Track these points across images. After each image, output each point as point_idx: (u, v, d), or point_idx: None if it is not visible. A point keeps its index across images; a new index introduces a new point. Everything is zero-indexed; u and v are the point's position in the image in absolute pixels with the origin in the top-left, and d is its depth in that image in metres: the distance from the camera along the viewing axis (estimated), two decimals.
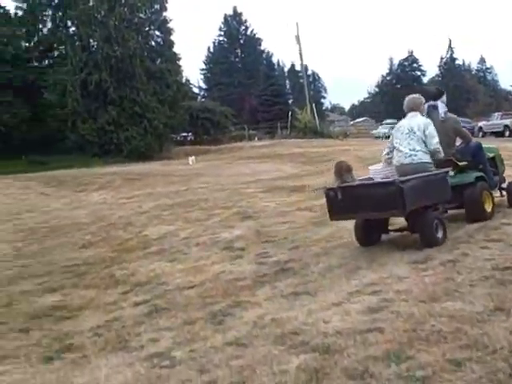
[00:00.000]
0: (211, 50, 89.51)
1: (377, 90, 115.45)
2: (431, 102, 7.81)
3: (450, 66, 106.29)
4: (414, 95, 7.53)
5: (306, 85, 59.64)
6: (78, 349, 4.64)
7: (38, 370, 4.33)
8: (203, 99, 75.53)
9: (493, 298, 4.51)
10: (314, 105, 54.09)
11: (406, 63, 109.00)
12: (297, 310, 4.88)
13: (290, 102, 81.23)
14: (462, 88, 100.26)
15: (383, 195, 6.31)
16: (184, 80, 58.17)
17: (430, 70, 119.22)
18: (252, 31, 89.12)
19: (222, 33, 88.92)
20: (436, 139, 6.87)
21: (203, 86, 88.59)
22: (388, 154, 7.22)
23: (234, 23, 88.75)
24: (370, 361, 3.65)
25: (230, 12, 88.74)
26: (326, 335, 4.20)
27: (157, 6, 43.77)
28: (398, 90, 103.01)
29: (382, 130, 54.69)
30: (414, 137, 6.85)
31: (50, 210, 15.13)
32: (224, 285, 5.91)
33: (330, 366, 3.67)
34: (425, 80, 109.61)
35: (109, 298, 6.11)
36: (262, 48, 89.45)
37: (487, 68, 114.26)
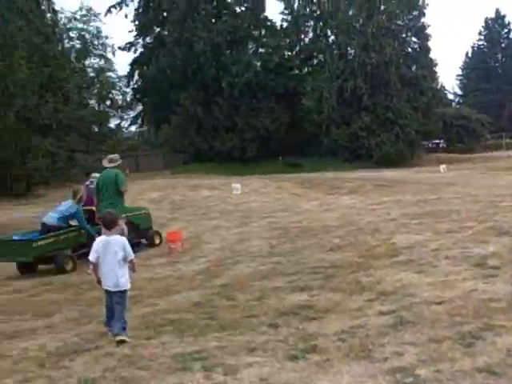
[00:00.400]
0: (469, 55, 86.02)
1: None
2: None
3: None
4: None
5: None
6: (322, 351, 4.73)
7: (283, 366, 4.50)
8: (458, 106, 72.84)
9: None
10: None
11: None
12: None
13: None
14: None
15: None
16: (439, 86, 56.72)
17: None
18: None
19: (482, 37, 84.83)
20: None
21: (459, 92, 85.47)
22: None
23: (495, 26, 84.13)
24: None
25: (492, 15, 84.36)
26: None
27: (415, 13, 43.28)
28: None
29: None
30: None
31: (302, 210, 15.78)
32: (475, 304, 5.56)
33: None
34: None
35: (354, 303, 6.13)
36: None
37: None
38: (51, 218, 11.57)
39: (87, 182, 12.86)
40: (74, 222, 11.64)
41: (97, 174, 12.16)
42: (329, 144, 41.57)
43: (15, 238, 11.60)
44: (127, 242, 6.07)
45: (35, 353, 5.61)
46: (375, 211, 13.67)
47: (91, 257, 6.04)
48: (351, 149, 40.48)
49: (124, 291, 5.99)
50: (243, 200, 19.17)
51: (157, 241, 12.84)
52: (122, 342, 5.53)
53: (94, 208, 11.51)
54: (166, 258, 11.14)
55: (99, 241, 6.09)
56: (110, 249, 5.94)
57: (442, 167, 27.55)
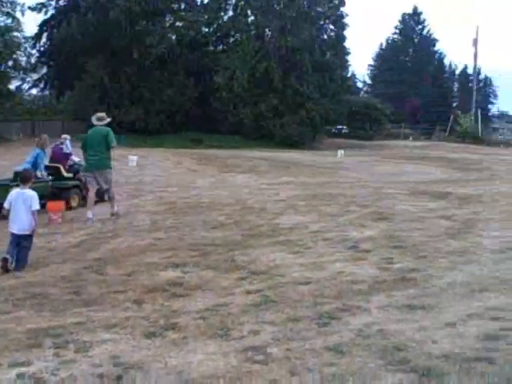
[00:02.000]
0: (383, 46, 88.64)
1: None
2: None
3: None
4: None
5: (475, 89, 56.90)
6: (181, 329, 4.73)
7: (138, 343, 4.46)
8: (366, 95, 75.01)
9: None
10: (479, 110, 51.47)
11: None
12: (407, 324, 4.63)
13: (455, 105, 78.30)
14: None
15: None
16: (350, 75, 58.03)
17: None
18: (428, 31, 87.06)
19: (398, 31, 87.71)
20: None
21: (368, 81, 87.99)
22: None
23: (411, 22, 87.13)
24: None
25: (410, 11, 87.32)
26: (431, 357, 3.94)
27: (336, 1, 43.92)
28: None
29: None
30: None
31: (195, 186, 15.73)
32: (339, 286, 5.75)
33: None
34: None
35: (224, 282, 6.18)
36: (436, 49, 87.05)
37: None
38: (22, 166, 12.55)
39: (57, 142, 14.74)
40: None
41: (67, 136, 14.72)
42: (234, 122, 41.71)
43: None
44: (36, 196, 7.84)
45: None
46: (267, 191, 13.82)
47: (6, 204, 7.87)
48: (255, 128, 40.71)
49: (28, 235, 7.76)
50: (138, 173, 18.91)
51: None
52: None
53: (59, 165, 13.80)
54: (43, 228, 10.76)
55: (14, 192, 7.95)
56: (21, 199, 7.71)
57: (340, 152, 28.30)
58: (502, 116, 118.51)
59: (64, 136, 14.75)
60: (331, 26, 45.20)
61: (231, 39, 49.37)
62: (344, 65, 46.51)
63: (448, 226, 9.19)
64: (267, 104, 40.17)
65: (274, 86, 40.32)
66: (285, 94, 40.52)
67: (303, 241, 8.03)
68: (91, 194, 11.38)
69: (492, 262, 6.69)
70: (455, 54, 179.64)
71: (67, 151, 14.49)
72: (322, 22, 44.54)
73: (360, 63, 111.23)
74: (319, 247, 7.66)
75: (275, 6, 42.11)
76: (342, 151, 28.78)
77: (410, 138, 50.26)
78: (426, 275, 6.09)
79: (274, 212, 10.61)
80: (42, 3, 46.89)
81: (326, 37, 45.25)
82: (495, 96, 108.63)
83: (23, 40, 42.76)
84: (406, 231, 8.69)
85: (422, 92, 72.52)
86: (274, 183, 15.43)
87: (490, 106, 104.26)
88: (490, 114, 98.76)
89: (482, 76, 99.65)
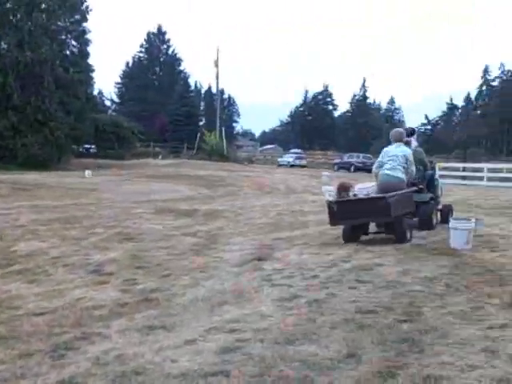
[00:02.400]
0: (129, 65, 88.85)
1: (289, 119, 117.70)
2: (407, 138, 10.14)
3: (360, 104, 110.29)
4: (400, 129, 10.10)
5: (219, 108, 59.84)
6: None
7: None
8: (114, 113, 74.37)
9: (348, 343, 4.38)
10: (223, 128, 54.23)
11: (320, 96, 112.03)
12: (147, 345, 4.56)
13: (202, 123, 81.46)
14: (370, 125, 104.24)
15: (376, 206, 8.54)
16: (96, 92, 56.93)
17: (342, 105, 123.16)
18: (173, 51, 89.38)
19: (144, 49, 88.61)
20: (413, 166, 9.36)
21: (116, 99, 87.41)
22: (376, 168, 9.49)
23: (156, 41, 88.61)
24: None
25: (155, 30, 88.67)
26: (169, 377, 3.91)
27: (77, 16, 42.63)
28: (308, 121, 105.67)
29: (286, 158, 55.73)
30: (397, 160, 9.17)
31: None
32: (79, 313, 5.49)
33: None
34: (336, 114, 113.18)
35: None
36: (181, 68, 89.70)
37: (396, 108, 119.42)
38: None
39: None
40: None
41: None
42: None
43: None
44: None
45: None
46: (6, 216, 12.84)
47: None
48: None
49: None
50: None
51: None
52: None
53: None
54: None
55: None
56: None
57: (87, 172, 27.59)
58: (246, 134, 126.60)
59: None
60: (73, 42, 43.87)
61: None
62: (89, 82, 45.34)
63: (193, 242, 9.43)
64: (6, 122, 37.54)
65: (13, 104, 37.87)
66: (25, 112, 38.22)
67: (42, 268, 7.58)
68: None
69: (232, 275, 6.97)
70: (200, 73, 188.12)
71: None
72: (63, 37, 42.99)
73: (107, 81, 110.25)
74: (59, 274, 7.29)
75: (11, 17, 39.56)
76: (90, 171, 28.06)
77: (160, 157, 51.01)
78: (168, 294, 6.12)
79: (11, 239, 9.87)
80: None
81: (68, 52, 43.76)
82: (238, 115, 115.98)
83: None
84: (151, 250, 8.71)
85: (169, 111, 74.18)
86: (14, 207, 14.39)
87: (234, 124, 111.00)
88: (234, 132, 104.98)
89: (225, 96, 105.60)
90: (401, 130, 10.06)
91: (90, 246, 9.04)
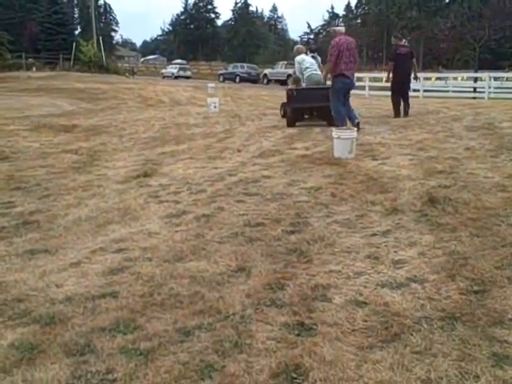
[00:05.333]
0: None
1: (170, 28, 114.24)
2: (313, 54, 13.96)
3: (243, 12, 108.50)
4: (302, 46, 14.14)
5: (94, 14, 56.62)
6: None
7: None
8: None
9: (237, 257, 4.40)
10: (100, 38, 51.59)
11: (201, 4, 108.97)
12: (29, 271, 4.35)
13: (77, 32, 77.15)
14: (253, 34, 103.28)
15: (322, 93, 11.45)
16: None
17: (224, 13, 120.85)
18: None
19: None
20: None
21: None
22: (300, 73, 12.52)
23: None
24: (96, 333, 3.30)
25: None
26: (54, 302, 3.75)
27: None
28: (191, 30, 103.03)
29: (170, 69, 54.31)
30: (314, 65, 12.65)
31: None
32: None
33: (49, 340, 3.24)
34: (218, 23, 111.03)
35: None
36: None
37: (278, 17, 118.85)
38: None
39: None
40: None
41: None
42: None
43: None
44: None
45: None
46: None
47: None
48: None
49: None
50: None
51: None
52: None
53: None
54: None
55: None
56: None
57: None
58: (126, 43, 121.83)
59: None
60: None
61: None
62: None
63: (74, 160, 9.06)
64: None
65: None
66: None
67: None
68: None
69: (117, 192, 6.76)
70: None
71: None
72: None
73: None
74: None
75: None
76: None
77: (34, 69, 47.95)
78: (49, 215, 5.85)
79: None
80: None
81: None
82: (117, 23, 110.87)
83: None
84: (29, 170, 8.28)
85: (39, 18, 68.90)
86: None
87: (112, 33, 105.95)
88: (114, 42, 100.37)
89: (101, 2, 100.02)
90: (302, 46, 14.06)
91: None
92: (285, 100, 12.96)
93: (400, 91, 13.65)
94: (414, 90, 26.04)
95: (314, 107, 12.50)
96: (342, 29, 11.49)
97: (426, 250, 4.35)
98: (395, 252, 4.34)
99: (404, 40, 14.34)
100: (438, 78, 30.96)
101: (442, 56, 76.57)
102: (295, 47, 13.44)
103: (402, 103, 13.60)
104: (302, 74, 12.41)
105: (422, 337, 3.08)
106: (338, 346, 3.03)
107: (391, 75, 13.66)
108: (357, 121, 10.95)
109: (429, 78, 29.07)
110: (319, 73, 12.30)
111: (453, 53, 73.81)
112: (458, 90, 27.89)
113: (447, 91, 27.91)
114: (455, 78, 30.59)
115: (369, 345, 3.04)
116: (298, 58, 12.54)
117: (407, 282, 3.78)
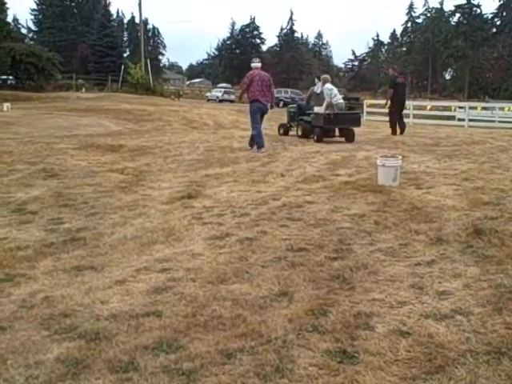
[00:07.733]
0: None
1: (216, 52, 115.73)
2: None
3: (288, 38, 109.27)
4: (328, 76, 16.29)
5: (143, 38, 57.84)
6: None
7: None
8: (31, 42, 70.77)
9: (280, 281, 4.40)
10: (148, 60, 52.63)
11: (247, 29, 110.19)
12: (75, 287, 4.43)
13: (125, 55, 78.89)
14: (298, 60, 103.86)
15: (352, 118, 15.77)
16: (11, 20, 53.80)
17: (270, 39, 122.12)
18: None
19: None
20: None
21: (33, 28, 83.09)
22: (330, 98, 14.96)
23: None
24: (139, 351, 3.34)
25: None
26: (99, 319, 3.82)
27: None
28: (236, 55, 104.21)
29: (215, 93, 55.01)
30: (339, 94, 15.81)
31: None
32: (1, 254, 5.25)
33: (94, 356, 3.29)
34: (263, 48, 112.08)
35: None
36: None
37: (323, 43, 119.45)
38: None
39: None
40: None
41: None
42: None
43: None
44: None
45: None
46: None
47: None
48: None
49: None
50: None
51: None
52: None
53: None
54: None
55: None
56: None
57: (6, 105, 26.32)
58: (172, 66, 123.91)
59: None
60: None
61: None
62: (1, 7, 42.67)
63: (120, 179, 9.20)
64: None
65: None
66: None
67: None
68: None
69: (162, 213, 6.85)
70: (122, 2, 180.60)
71: None
72: None
73: (22, 7, 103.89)
74: None
75: None
76: (9, 104, 26.79)
77: (83, 90, 49.18)
78: (96, 233, 5.96)
79: None
80: None
81: None
82: (164, 47, 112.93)
83: None
84: (76, 188, 8.45)
85: (90, 41, 70.98)
86: None
87: (160, 56, 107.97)
88: (161, 65, 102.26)
89: (149, 26, 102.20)
90: (328, 76, 16.15)
91: (11, 184, 8.66)
92: (283, 121, 17.66)
93: (397, 113, 17.02)
94: (459, 120, 25.99)
95: (342, 128, 15.42)
96: (258, 65, 13.28)
97: (471, 281, 4.29)
98: (440, 283, 4.29)
99: (402, 74, 17.87)
100: (484, 108, 30.52)
101: (489, 86, 75.77)
102: (322, 76, 16.00)
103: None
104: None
105: (466, 370, 3.03)
106: (380, 376, 3.00)
107: (389, 102, 16.99)
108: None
109: (474, 108, 28.70)
110: (342, 101, 15.72)
111: (500, 83, 72.95)
112: (504, 120, 27.45)
113: (493, 121, 27.50)
114: (502, 109, 30.09)
115: (412, 376, 3.00)
116: (329, 86, 15.18)
117: (452, 313, 3.73)
